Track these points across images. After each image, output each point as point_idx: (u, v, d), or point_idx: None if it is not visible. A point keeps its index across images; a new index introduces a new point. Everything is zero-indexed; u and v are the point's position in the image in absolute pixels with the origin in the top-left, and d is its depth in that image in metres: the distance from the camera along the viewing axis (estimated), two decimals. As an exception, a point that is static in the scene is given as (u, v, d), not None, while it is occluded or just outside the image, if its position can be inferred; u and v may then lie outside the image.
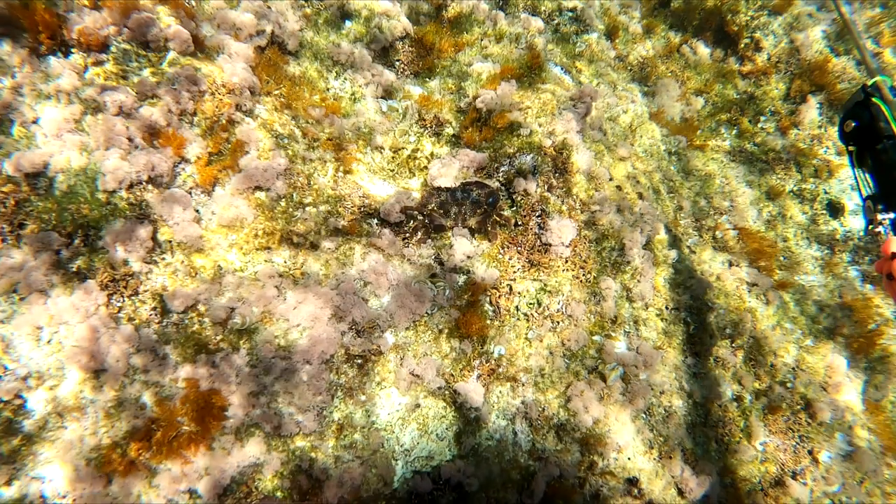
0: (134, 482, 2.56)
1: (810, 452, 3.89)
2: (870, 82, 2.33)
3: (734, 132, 5.50)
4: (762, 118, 5.57)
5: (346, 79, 4.06)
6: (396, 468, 3.01)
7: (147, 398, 2.66)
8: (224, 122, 3.25)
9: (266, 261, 3.10)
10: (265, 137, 3.34)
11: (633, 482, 3.41)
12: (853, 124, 2.38)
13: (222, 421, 2.68)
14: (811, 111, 5.50)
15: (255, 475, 2.74)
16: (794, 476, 3.80)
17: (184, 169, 3.10)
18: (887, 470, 4.04)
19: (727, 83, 5.68)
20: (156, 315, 2.80)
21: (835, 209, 5.35)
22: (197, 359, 2.73)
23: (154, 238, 2.87)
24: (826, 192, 5.37)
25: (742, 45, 5.72)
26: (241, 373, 2.75)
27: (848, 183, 5.42)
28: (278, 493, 2.76)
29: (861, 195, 2.36)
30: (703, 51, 5.76)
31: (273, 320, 2.95)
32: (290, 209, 3.26)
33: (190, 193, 3.09)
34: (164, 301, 2.81)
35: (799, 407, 4.01)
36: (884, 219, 2.17)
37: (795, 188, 5.35)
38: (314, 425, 2.85)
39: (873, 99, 2.30)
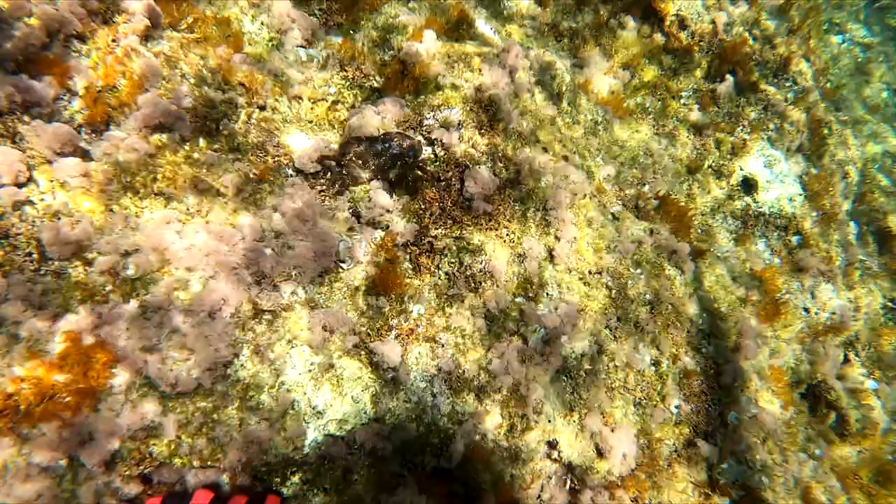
0: (-2, 447, 2.25)
1: (720, 414, 4.01)
2: None
3: (658, 106, 5.58)
4: (684, 94, 5.67)
5: (262, 23, 3.77)
6: (308, 431, 2.83)
7: (16, 353, 2.33)
8: (120, 53, 2.92)
9: (166, 206, 2.82)
10: (169, 74, 3.04)
11: (552, 444, 3.39)
12: None
13: (109, 379, 2.41)
14: (729, 90, 5.65)
15: (149, 439, 2.50)
16: (705, 437, 3.90)
17: (70, 103, 2.77)
18: (787, 429, 4.24)
19: (653, 58, 5.74)
20: (31, 262, 2.48)
21: (749, 185, 5.54)
22: (79, 310, 2.43)
23: (31, 174, 2.54)
24: (741, 169, 5.55)
25: (668, 22, 5.78)
26: (132, 326, 2.47)
27: (762, 160, 5.62)
28: (176, 460, 2.53)
29: None
30: (632, 25, 5.79)
31: (171, 270, 2.69)
32: (196, 153, 2.99)
33: (79, 131, 2.77)
34: (42, 246, 2.49)
35: (711, 371, 4.13)
36: None
37: (713, 163, 5.50)
38: (216, 384, 2.63)
39: None
